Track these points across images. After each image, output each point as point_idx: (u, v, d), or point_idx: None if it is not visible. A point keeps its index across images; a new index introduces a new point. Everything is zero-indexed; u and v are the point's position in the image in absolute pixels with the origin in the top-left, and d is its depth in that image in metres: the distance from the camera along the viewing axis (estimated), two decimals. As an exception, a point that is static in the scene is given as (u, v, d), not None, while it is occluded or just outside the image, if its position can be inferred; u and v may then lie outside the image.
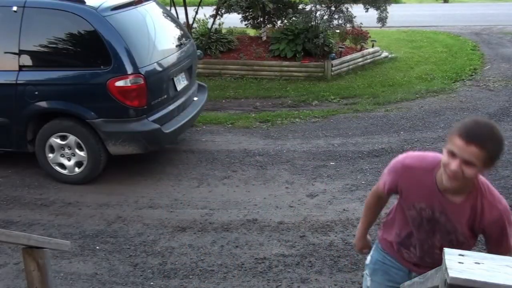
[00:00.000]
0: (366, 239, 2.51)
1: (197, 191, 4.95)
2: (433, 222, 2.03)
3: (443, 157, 1.83)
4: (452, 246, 1.95)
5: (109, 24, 4.73)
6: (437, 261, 1.84)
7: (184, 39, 5.90)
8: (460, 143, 1.73)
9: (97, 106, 4.82)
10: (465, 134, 1.73)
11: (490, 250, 2.02)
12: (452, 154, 1.78)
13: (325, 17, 9.50)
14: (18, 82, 4.89)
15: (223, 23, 10.16)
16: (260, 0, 9.45)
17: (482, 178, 1.94)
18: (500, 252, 1.91)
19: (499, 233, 1.94)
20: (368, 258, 2.41)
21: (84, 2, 4.83)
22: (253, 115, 7.24)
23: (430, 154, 2.07)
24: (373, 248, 2.43)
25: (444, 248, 1.46)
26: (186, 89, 5.66)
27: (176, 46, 5.67)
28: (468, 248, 2.03)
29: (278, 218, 4.43)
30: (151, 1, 5.67)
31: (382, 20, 9.44)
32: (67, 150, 5.00)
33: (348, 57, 9.73)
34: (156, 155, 5.67)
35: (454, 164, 1.77)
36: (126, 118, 4.84)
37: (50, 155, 5.04)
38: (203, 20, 10.38)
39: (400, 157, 2.13)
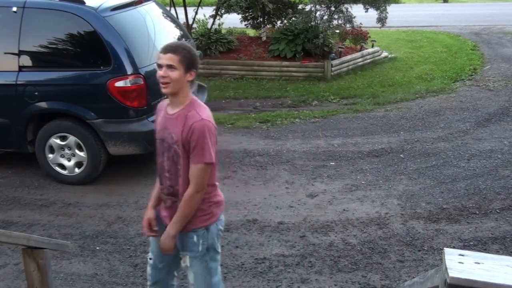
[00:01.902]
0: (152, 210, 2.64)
1: (197, 192, 4.94)
2: (162, 141, 2.42)
3: (157, 73, 2.31)
4: (173, 164, 2.39)
5: (109, 24, 4.73)
6: (169, 188, 2.45)
7: (184, 39, 5.90)
8: (160, 55, 2.30)
9: (97, 106, 4.82)
10: (163, 49, 2.30)
11: (191, 160, 2.36)
12: (159, 66, 2.31)
13: (325, 17, 9.50)
14: (18, 82, 4.89)
15: (222, 23, 10.16)
16: (260, 1, 9.45)
17: (195, 97, 2.45)
18: (197, 161, 2.34)
19: (197, 143, 2.31)
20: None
21: (84, 3, 4.83)
22: (253, 115, 7.24)
23: None
24: None
25: (444, 248, 1.46)
26: (186, 89, 5.65)
27: (176, 46, 5.67)
28: (185, 168, 2.38)
29: (278, 218, 4.43)
30: (151, 2, 5.67)
31: (381, 20, 9.45)
32: (67, 151, 5.00)
33: (348, 57, 9.73)
34: (156, 155, 5.66)
35: (162, 71, 2.29)
36: (126, 118, 4.84)
37: (50, 155, 5.04)
38: (202, 20, 10.38)
39: None
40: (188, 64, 2.31)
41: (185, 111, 2.37)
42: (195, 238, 2.49)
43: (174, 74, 2.29)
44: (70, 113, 4.90)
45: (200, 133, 2.31)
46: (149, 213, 2.60)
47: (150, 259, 2.70)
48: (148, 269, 2.73)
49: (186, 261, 2.53)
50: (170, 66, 2.28)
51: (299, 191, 4.93)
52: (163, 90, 2.33)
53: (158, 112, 2.54)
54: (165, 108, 2.47)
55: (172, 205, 2.49)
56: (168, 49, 2.29)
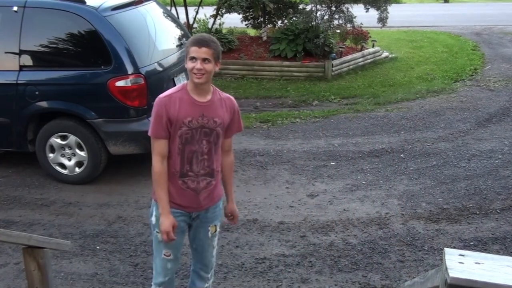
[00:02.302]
0: (171, 215, 2.63)
1: (198, 191, 4.94)
2: (200, 128, 2.55)
3: (188, 65, 2.47)
4: (213, 145, 2.59)
5: (110, 24, 4.73)
6: (206, 169, 2.61)
7: (184, 39, 5.90)
8: (195, 49, 2.44)
9: (97, 106, 4.82)
10: (197, 42, 2.45)
11: (231, 133, 2.71)
12: (193, 59, 2.45)
13: (326, 17, 9.50)
14: (19, 82, 4.89)
15: (223, 23, 10.17)
16: (261, 0, 9.46)
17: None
18: (237, 129, 2.73)
19: (237, 116, 2.70)
20: (153, 218, 2.70)
21: (85, 2, 4.83)
22: (254, 115, 7.24)
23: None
24: (153, 209, 2.70)
25: (445, 249, 1.46)
26: (186, 89, 5.65)
27: (177, 46, 5.68)
28: (218, 145, 2.64)
29: (279, 218, 4.43)
30: (151, 1, 5.67)
31: (382, 20, 9.45)
32: (67, 150, 5.01)
33: (349, 57, 9.73)
34: (156, 155, 5.66)
35: (198, 64, 2.44)
36: (127, 118, 4.84)
37: (51, 155, 5.04)
38: (203, 20, 10.39)
39: (156, 100, 2.57)
40: (217, 56, 2.51)
41: (218, 96, 2.62)
42: (221, 206, 2.84)
43: (209, 66, 2.46)
44: (70, 113, 4.90)
45: (238, 108, 2.70)
46: (172, 218, 2.60)
47: (169, 255, 2.74)
48: (169, 265, 2.76)
49: (216, 228, 2.83)
50: (205, 59, 2.45)
51: (300, 191, 4.93)
52: (198, 81, 2.48)
53: (173, 105, 2.51)
54: (187, 98, 2.53)
55: (207, 185, 2.65)
56: (202, 43, 2.45)
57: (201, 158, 2.59)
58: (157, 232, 2.67)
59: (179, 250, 2.82)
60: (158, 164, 2.57)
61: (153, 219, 2.69)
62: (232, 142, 2.81)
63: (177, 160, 2.58)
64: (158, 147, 2.56)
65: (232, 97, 2.69)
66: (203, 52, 2.43)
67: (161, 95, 2.57)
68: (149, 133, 2.58)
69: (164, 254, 2.73)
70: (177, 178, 2.60)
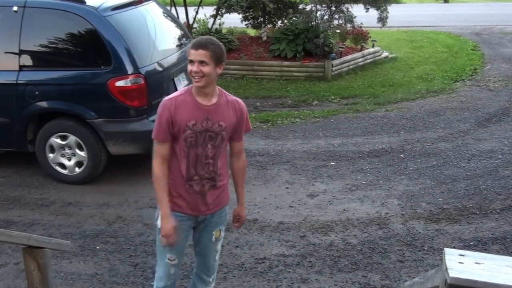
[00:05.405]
0: (172, 217, 2.59)
1: (198, 191, 4.94)
2: (205, 132, 2.53)
3: (188, 68, 2.45)
4: (217, 149, 2.57)
5: (110, 24, 4.73)
6: (211, 173, 2.59)
7: (184, 39, 5.90)
8: (192, 51, 2.43)
9: (97, 106, 4.82)
10: (194, 45, 2.43)
11: (240, 134, 2.68)
12: (191, 62, 2.43)
13: (326, 17, 9.50)
14: (19, 82, 4.89)
15: (223, 23, 10.17)
16: (261, 0, 9.45)
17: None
18: (246, 130, 2.69)
19: (246, 118, 2.67)
20: (158, 222, 2.67)
21: (85, 2, 4.83)
22: (254, 115, 7.24)
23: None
24: (159, 213, 2.66)
25: (445, 249, 1.46)
26: (186, 89, 5.65)
27: (177, 46, 5.68)
28: (225, 149, 2.63)
29: (279, 218, 4.43)
30: (151, 1, 5.67)
31: (382, 20, 9.45)
32: (67, 150, 5.01)
33: (349, 57, 9.73)
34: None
35: (194, 67, 2.42)
36: (127, 118, 4.83)
37: (51, 155, 5.04)
38: (203, 20, 10.38)
39: (161, 103, 2.57)
40: (218, 58, 2.45)
41: (224, 99, 2.58)
42: (226, 210, 2.82)
43: (206, 69, 2.42)
44: (70, 113, 4.90)
45: (246, 110, 2.66)
46: (172, 220, 2.57)
47: (173, 260, 2.73)
48: (172, 270, 2.75)
49: (221, 233, 2.82)
50: (202, 62, 2.41)
51: (299, 191, 4.93)
52: (197, 84, 2.46)
53: (177, 107, 2.49)
54: (191, 101, 2.51)
55: (211, 188, 2.63)
56: (199, 45, 2.42)
57: (206, 162, 2.57)
58: (162, 236, 2.66)
59: (183, 254, 2.81)
60: (157, 167, 2.56)
61: (158, 223, 2.67)
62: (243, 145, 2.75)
63: (183, 163, 2.56)
64: (160, 150, 2.56)
65: (240, 100, 2.65)
66: (199, 54, 2.40)
67: (166, 98, 2.56)
68: (153, 136, 2.56)
69: (168, 259, 2.72)
70: (183, 182, 2.59)
